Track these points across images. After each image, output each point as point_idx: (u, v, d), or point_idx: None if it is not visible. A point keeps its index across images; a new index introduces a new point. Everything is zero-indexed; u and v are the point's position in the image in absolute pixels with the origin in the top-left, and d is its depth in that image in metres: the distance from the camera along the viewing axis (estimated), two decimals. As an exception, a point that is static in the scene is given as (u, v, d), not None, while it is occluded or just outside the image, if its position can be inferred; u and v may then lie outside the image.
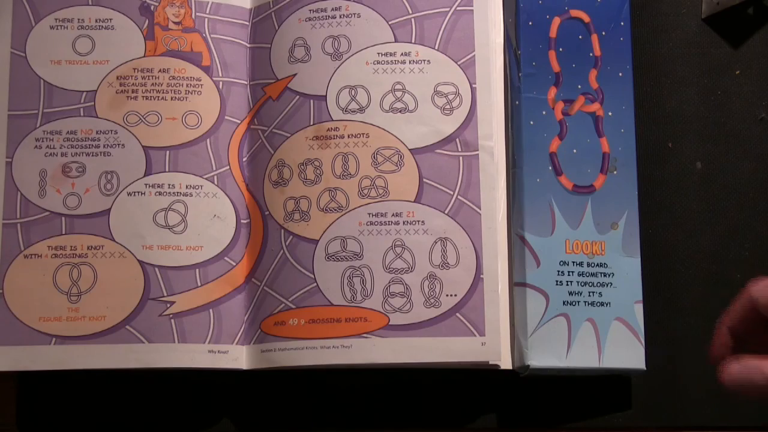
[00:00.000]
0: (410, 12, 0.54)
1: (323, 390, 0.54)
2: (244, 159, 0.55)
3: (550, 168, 0.52)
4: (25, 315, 0.52)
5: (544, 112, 0.52)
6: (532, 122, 0.52)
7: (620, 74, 0.53)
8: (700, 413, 0.54)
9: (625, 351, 0.51)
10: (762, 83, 0.57)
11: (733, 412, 0.54)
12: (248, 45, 0.56)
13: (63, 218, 0.53)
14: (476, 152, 0.52)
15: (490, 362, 0.50)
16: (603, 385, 0.54)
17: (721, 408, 0.54)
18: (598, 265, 0.51)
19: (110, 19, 0.56)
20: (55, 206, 0.53)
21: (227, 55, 0.56)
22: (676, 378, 0.54)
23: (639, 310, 0.51)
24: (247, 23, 0.57)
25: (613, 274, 0.51)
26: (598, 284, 0.51)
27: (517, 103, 0.53)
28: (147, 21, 0.56)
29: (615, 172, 0.52)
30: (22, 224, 0.53)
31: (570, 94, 0.53)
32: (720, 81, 0.57)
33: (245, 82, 0.56)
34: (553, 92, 0.53)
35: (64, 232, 0.53)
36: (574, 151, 0.52)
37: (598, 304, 0.51)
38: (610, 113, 0.53)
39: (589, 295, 0.51)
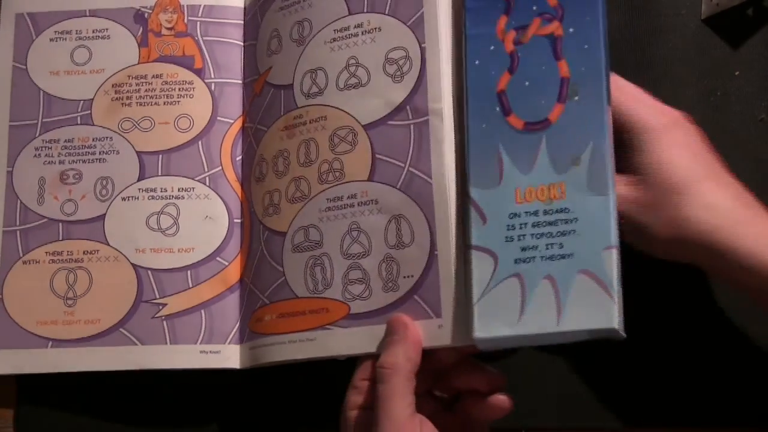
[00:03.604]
0: None
1: (324, 390, 0.53)
2: (238, 158, 0.55)
3: (498, 109, 0.46)
4: (23, 319, 0.53)
5: (491, 47, 0.46)
6: (477, 62, 0.46)
7: None
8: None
9: (591, 309, 0.42)
10: (762, 84, 0.55)
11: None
12: (243, 44, 0.57)
13: (60, 224, 0.54)
14: (426, 117, 0.48)
15: (449, 345, 0.46)
16: (604, 386, 0.52)
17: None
18: (557, 211, 0.44)
19: (106, 29, 0.57)
20: (53, 213, 0.54)
21: (220, 55, 0.56)
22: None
23: (609, 257, 0.43)
24: (241, 22, 0.57)
25: (577, 219, 0.43)
26: (558, 234, 0.44)
27: (463, 44, 0.48)
28: (141, 29, 0.57)
29: (576, 98, 0.45)
30: (21, 231, 0.54)
31: (523, 20, 0.46)
32: (719, 82, 0.55)
33: (240, 82, 0.56)
34: (502, 22, 0.47)
35: (61, 238, 0.54)
36: (527, 83, 0.46)
37: (558, 257, 0.43)
38: (571, 29, 0.46)
39: (547, 248, 0.43)
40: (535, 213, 0.44)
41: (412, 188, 0.48)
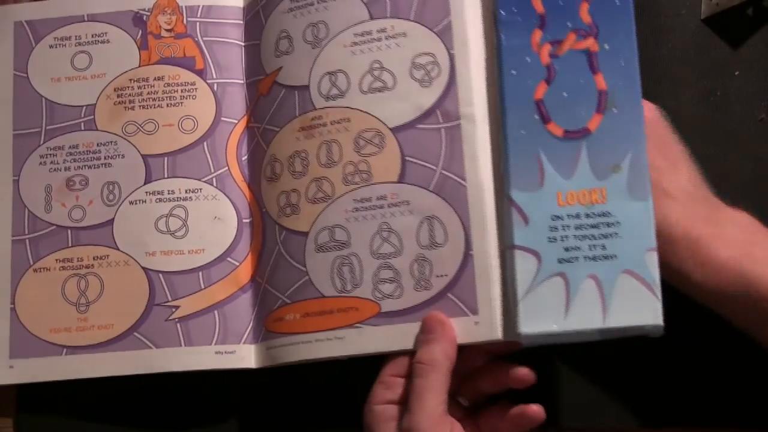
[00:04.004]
0: None
1: (336, 389, 0.54)
2: (244, 158, 0.55)
3: (536, 116, 0.47)
4: (36, 327, 0.53)
5: (527, 59, 0.48)
6: (514, 72, 0.48)
7: (617, 3, 0.48)
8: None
9: (636, 306, 0.45)
10: (761, 84, 0.55)
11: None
12: (243, 44, 0.56)
13: (69, 231, 0.54)
14: (458, 122, 0.49)
15: (486, 340, 0.47)
16: (603, 386, 0.52)
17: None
18: (598, 215, 0.46)
19: (105, 33, 0.57)
20: (61, 220, 0.54)
21: (221, 56, 0.56)
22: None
23: (651, 259, 0.45)
24: (241, 22, 0.57)
25: (619, 223, 0.46)
26: (600, 236, 0.46)
27: (498, 54, 0.49)
28: (140, 31, 0.57)
29: (614, 110, 0.47)
30: (31, 239, 0.54)
31: (558, 34, 0.48)
32: (719, 82, 0.55)
33: (241, 81, 0.56)
34: (537, 35, 0.48)
35: (70, 245, 0.54)
36: (564, 94, 0.47)
37: (602, 258, 0.45)
38: (606, 46, 0.48)
39: (590, 249, 0.45)
40: (577, 216, 0.46)
41: (445, 190, 0.49)
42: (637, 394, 0.53)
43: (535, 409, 0.46)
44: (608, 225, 0.46)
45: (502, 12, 0.48)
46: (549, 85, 0.47)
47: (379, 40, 0.51)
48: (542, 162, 0.47)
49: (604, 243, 0.46)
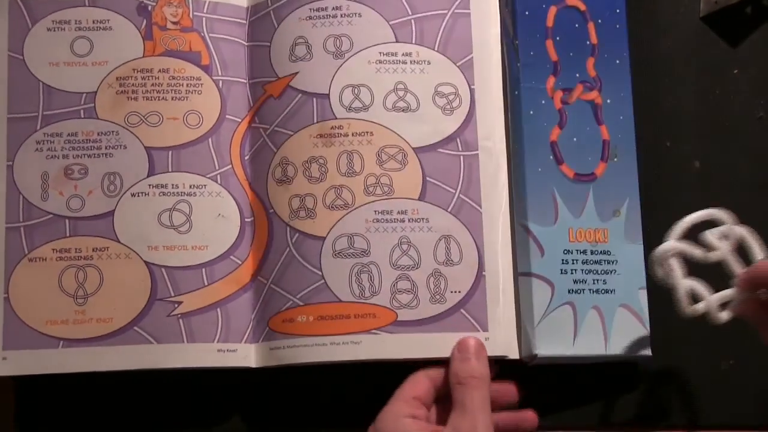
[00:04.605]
0: (410, 13, 0.55)
1: (334, 388, 0.55)
2: (246, 157, 0.55)
3: (551, 157, 0.52)
4: (31, 319, 0.51)
5: (543, 102, 0.53)
6: (531, 112, 0.52)
7: (617, 62, 0.54)
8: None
9: (631, 338, 0.51)
10: (760, 82, 0.57)
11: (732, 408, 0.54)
12: (246, 43, 0.56)
13: (67, 220, 0.53)
14: (476, 152, 0.53)
15: (494, 356, 0.51)
16: (604, 382, 0.54)
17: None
18: (601, 252, 0.51)
19: (108, 20, 0.56)
20: (59, 209, 0.53)
21: (226, 53, 0.56)
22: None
23: (643, 296, 0.51)
24: (245, 22, 0.57)
25: (617, 261, 0.51)
26: (602, 272, 0.51)
27: (516, 93, 0.53)
28: (145, 21, 0.56)
29: (615, 160, 0.52)
30: (26, 227, 0.52)
31: (568, 83, 0.53)
32: (718, 80, 0.57)
33: (244, 81, 0.56)
34: (551, 81, 0.53)
35: (68, 235, 0.53)
36: (575, 139, 0.52)
37: (603, 291, 0.51)
38: (608, 101, 0.53)
39: (594, 283, 0.51)
40: (584, 252, 0.51)
41: (462, 213, 0.52)
42: (637, 395, 0.55)
43: (531, 416, 0.50)
44: (608, 263, 0.52)
45: (522, 54, 0.53)
46: (561, 129, 0.52)
47: (405, 62, 0.54)
48: (556, 200, 0.52)
49: (605, 278, 0.51)
